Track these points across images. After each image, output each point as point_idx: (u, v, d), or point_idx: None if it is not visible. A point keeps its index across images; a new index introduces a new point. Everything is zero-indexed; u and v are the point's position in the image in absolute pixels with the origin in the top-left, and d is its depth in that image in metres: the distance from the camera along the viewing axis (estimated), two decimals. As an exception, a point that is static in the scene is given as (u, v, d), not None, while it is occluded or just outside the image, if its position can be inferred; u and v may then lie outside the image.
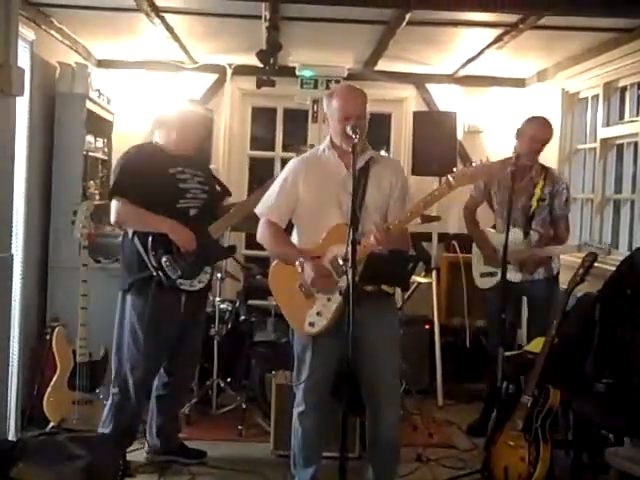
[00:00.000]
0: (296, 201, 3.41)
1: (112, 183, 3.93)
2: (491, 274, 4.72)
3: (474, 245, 4.95)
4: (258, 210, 3.50)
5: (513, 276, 4.46)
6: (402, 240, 3.34)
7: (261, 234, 3.46)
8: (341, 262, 3.20)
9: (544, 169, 4.65)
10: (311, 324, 3.33)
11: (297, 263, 3.28)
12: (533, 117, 4.70)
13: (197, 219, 3.92)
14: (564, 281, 4.12)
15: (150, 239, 3.79)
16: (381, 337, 3.36)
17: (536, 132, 4.53)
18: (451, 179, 3.16)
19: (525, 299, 4.80)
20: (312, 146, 4.30)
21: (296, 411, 3.52)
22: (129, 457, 3.98)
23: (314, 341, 3.35)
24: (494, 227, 4.86)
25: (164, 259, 3.78)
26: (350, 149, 3.17)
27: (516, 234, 4.48)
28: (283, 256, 3.42)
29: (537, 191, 4.51)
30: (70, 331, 4.29)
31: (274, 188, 3.48)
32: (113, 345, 4.01)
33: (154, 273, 3.77)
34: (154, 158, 3.93)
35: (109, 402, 4.02)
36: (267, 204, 3.47)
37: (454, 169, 3.20)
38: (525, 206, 4.55)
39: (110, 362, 4.15)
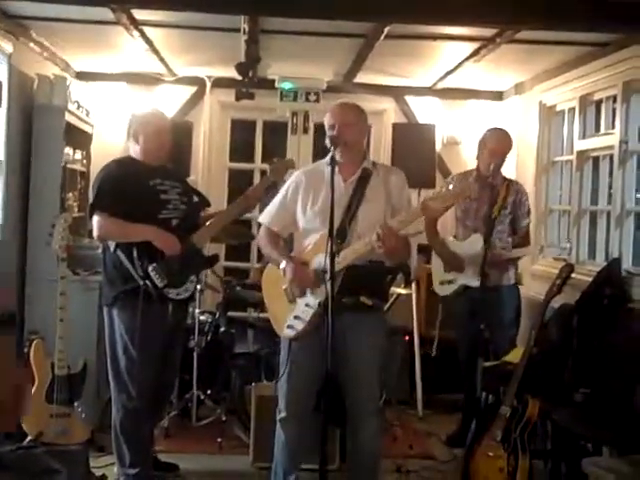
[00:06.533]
0: (295, 212, 3.52)
1: (92, 198, 3.90)
2: (450, 282, 4.81)
3: (433, 254, 5.03)
4: (261, 218, 3.67)
5: (472, 281, 4.52)
6: (404, 248, 3.35)
7: (259, 239, 3.69)
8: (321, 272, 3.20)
9: (505, 180, 4.73)
10: (289, 327, 3.40)
11: (281, 267, 3.40)
12: (492, 129, 4.81)
13: (179, 229, 3.93)
14: (541, 292, 4.15)
15: (135, 250, 3.77)
16: (361, 349, 3.36)
17: (495, 145, 4.67)
18: (429, 202, 3.09)
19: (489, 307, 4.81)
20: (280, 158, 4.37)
21: (278, 418, 3.53)
22: (104, 471, 3.93)
23: (292, 347, 3.39)
24: (454, 236, 4.92)
25: (150, 268, 3.77)
26: (343, 160, 3.35)
27: (477, 240, 4.54)
28: (273, 260, 3.57)
29: (499, 200, 4.55)
30: (48, 344, 4.25)
31: (277, 198, 3.62)
32: (108, 363, 3.93)
33: (141, 282, 3.75)
34: (133, 171, 3.93)
35: (114, 421, 3.95)
36: (268, 213, 3.63)
37: (431, 192, 3.21)
38: (487, 214, 4.55)
39: (88, 375, 4.11)
